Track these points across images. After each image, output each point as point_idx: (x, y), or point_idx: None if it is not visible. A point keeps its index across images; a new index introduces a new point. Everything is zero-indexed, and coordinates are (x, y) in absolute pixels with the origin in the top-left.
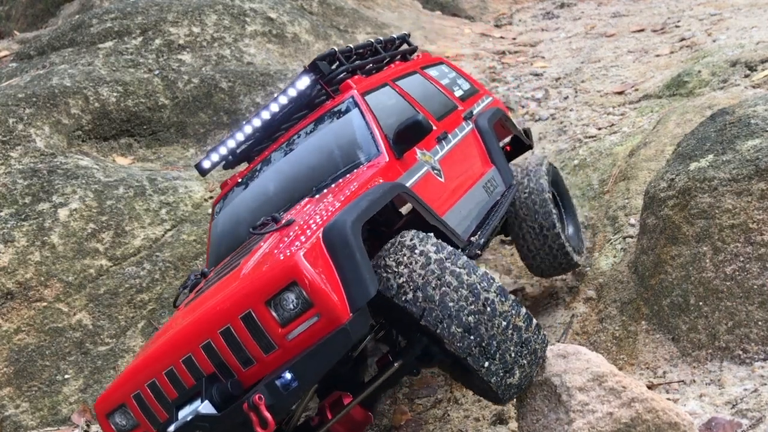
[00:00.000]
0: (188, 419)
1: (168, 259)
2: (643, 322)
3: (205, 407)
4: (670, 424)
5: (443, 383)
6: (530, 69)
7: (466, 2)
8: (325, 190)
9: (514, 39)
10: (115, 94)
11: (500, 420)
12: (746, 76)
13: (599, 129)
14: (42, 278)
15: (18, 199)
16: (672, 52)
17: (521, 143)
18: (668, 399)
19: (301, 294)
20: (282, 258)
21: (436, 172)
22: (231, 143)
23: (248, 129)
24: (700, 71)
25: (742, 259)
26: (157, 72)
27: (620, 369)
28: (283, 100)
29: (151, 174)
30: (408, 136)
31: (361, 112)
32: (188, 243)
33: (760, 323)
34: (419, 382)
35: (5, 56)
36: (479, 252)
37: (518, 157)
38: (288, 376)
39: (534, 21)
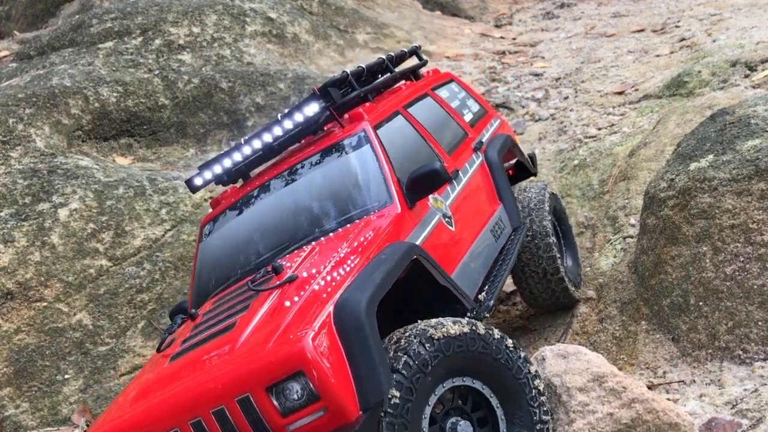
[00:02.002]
0: None
1: (168, 259)
2: (643, 322)
3: None
4: (670, 424)
5: None
6: (530, 69)
7: (466, 2)
8: (331, 235)
9: (514, 39)
10: (115, 94)
11: None
12: (746, 76)
13: (599, 129)
14: (42, 278)
15: (18, 199)
16: (672, 52)
17: (525, 168)
18: (668, 399)
19: (308, 385)
20: (288, 340)
21: (447, 220)
22: (227, 162)
23: (246, 150)
24: (700, 71)
25: (742, 259)
26: (157, 72)
27: (620, 369)
28: (288, 124)
29: (151, 174)
30: (423, 185)
31: (374, 151)
32: (188, 243)
33: (760, 323)
34: None
35: (5, 56)
36: (487, 315)
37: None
38: None
39: (534, 21)
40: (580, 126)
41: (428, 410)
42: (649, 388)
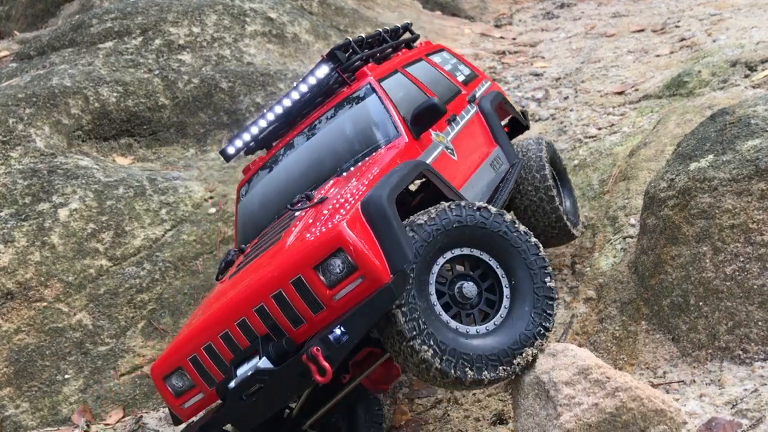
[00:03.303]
0: (248, 374)
1: (168, 259)
2: (643, 322)
3: (263, 363)
4: (656, 411)
5: None
6: (530, 69)
7: (466, 2)
8: (352, 169)
9: (514, 39)
10: (115, 94)
11: (500, 420)
12: (746, 76)
13: (599, 129)
14: (42, 278)
15: (18, 199)
16: (672, 52)
17: (519, 124)
18: None
19: (347, 259)
20: (327, 228)
21: (449, 151)
22: (254, 130)
23: (270, 116)
24: (700, 71)
25: (742, 259)
26: (157, 72)
27: (620, 369)
28: (303, 88)
29: (151, 174)
30: (425, 119)
31: (379, 97)
32: (188, 243)
33: (760, 323)
34: (419, 383)
35: (5, 56)
36: None
37: (516, 138)
38: (339, 331)
39: (534, 21)
40: (580, 126)
41: (433, 277)
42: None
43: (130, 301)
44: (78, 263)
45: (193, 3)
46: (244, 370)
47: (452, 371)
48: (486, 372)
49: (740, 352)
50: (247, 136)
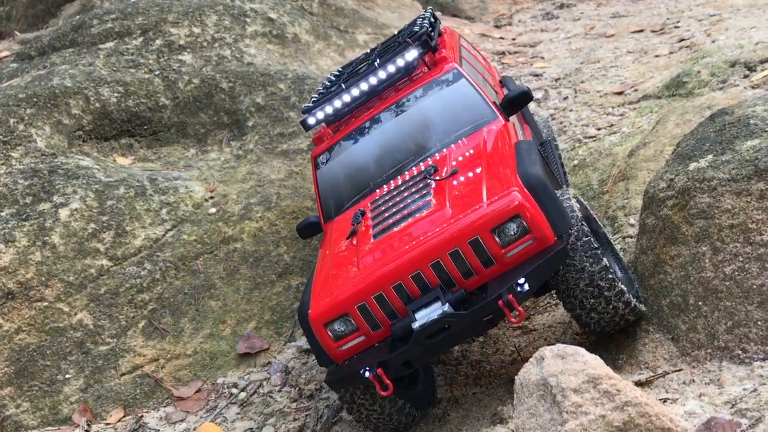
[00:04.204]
0: (435, 318)
1: (168, 259)
2: (642, 322)
3: (448, 308)
4: (663, 429)
5: (443, 383)
6: (530, 69)
7: (466, 2)
8: (456, 144)
9: (514, 39)
10: (115, 94)
11: (499, 420)
12: (745, 76)
13: (599, 129)
14: (43, 278)
15: (19, 199)
16: (671, 53)
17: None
18: (668, 398)
19: (522, 224)
20: (502, 196)
21: (521, 130)
22: (337, 103)
23: (355, 92)
24: (699, 72)
25: (741, 259)
26: (157, 72)
27: (619, 369)
28: (392, 69)
29: (151, 174)
30: (517, 103)
31: (469, 82)
32: (189, 243)
33: (759, 323)
34: None
35: (6, 56)
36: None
37: None
38: (524, 281)
39: (534, 21)
40: (580, 126)
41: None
42: (648, 382)
43: (131, 301)
44: (79, 263)
45: (194, 3)
46: (426, 313)
47: (640, 304)
48: (640, 305)
49: (739, 352)
50: (329, 109)
